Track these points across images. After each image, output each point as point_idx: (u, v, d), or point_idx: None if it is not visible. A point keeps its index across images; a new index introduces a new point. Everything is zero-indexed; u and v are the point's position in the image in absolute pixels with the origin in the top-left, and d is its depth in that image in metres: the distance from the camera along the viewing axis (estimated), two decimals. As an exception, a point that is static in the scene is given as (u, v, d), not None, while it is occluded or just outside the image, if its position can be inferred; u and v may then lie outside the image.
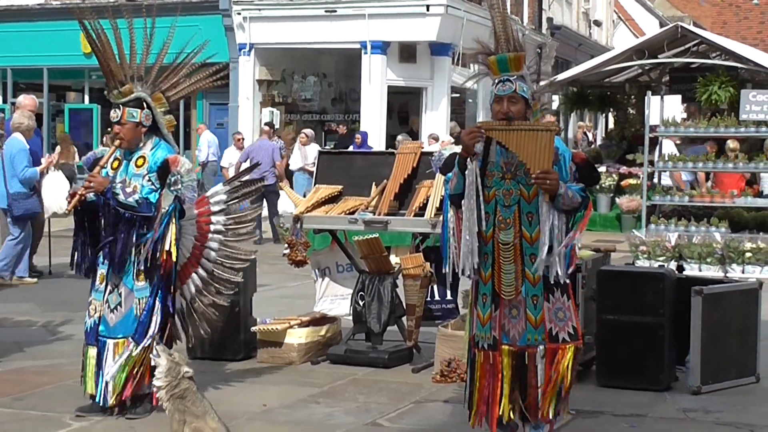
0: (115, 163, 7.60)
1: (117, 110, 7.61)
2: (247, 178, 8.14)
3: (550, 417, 6.37)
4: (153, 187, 7.50)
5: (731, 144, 19.17)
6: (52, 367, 8.97)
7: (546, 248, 6.14)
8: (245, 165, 20.63)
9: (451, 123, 26.35)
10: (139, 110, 7.60)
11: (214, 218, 7.83)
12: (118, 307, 7.45)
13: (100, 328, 7.47)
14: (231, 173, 21.53)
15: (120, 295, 7.45)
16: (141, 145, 7.63)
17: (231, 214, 7.88)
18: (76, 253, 7.72)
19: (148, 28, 7.88)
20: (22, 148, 13.65)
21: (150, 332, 7.40)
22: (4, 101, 30.28)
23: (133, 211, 7.39)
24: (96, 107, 28.98)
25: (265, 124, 25.33)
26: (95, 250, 7.58)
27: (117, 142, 7.62)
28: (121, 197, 7.43)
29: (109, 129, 7.62)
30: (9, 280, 13.85)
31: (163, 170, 7.52)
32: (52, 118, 30.20)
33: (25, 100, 14.76)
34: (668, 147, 20.17)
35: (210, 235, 7.80)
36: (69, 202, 7.52)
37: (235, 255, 7.87)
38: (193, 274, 7.74)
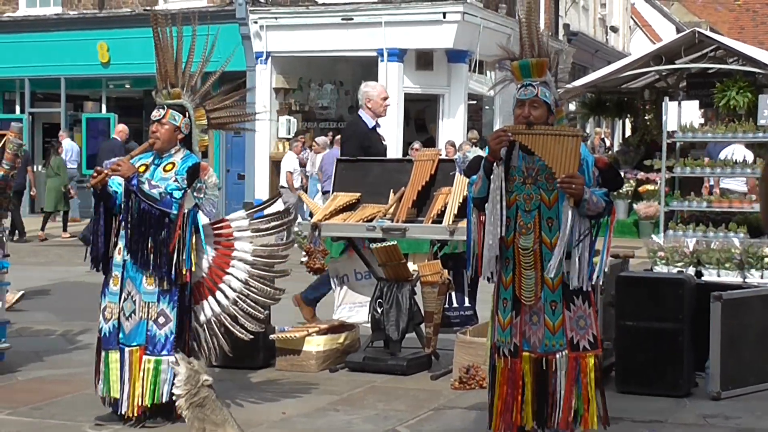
0: (142, 168, 7.60)
1: (161, 110, 7.64)
2: (274, 210, 8.13)
3: (583, 424, 6.36)
4: (178, 185, 7.48)
5: None
6: (71, 376, 8.98)
7: (563, 252, 6.13)
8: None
9: (471, 132, 26.30)
10: (181, 116, 7.64)
11: (237, 244, 7.82)
12: (133, 314, 7.47)
13: (120, 334, 7.49)
14: (295, 179, 21.59)
15: (134, 302, 7.47)
16: (172, 152, 7.65)
17: (258, 244, 7.86)
18: (92, 247, 7.71)
19: (211, 37, 7.92)
20: None
21: (170, 344, 7.43)
22: (22, 111, 30.38)
23: (153, 204, 7.37)
24: (114, 116, 29.03)
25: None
26: (110, 246, 7.58)
27: (151, 140, 7.63)
28: (146, 187, 7.40)
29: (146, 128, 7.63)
30: None
31: (194, 172, 7.55)
32: (70, 128, 30.28)
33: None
34: (739, 151, 19.76)
35: (232, 262, 7.78)
36: (94, 177, 7.51)
37: (265, 293, 7.84)
38: (210, 298, 7.72)
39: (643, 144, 24.89)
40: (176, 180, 7.51)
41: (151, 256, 7.39)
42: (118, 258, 7.56)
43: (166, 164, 7.59)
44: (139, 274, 7.46)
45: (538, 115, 6.23)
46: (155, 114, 7.65)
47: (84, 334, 10.77)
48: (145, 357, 7.40)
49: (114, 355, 7.49)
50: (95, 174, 7.52)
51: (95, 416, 7.58)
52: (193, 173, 7.52)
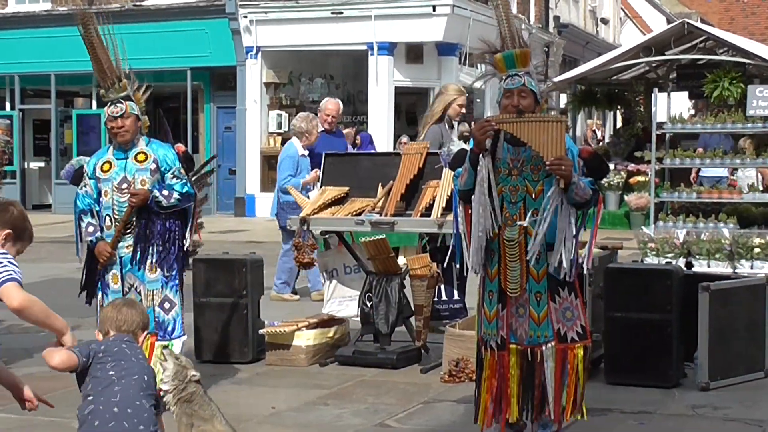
0: (106, 166, 7.72)
1: (119, 104, 7.76)
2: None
3: (564, 415, 6.39)
4: (183, 180, 7.73)
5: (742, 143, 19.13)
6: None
7: (559, 241, 6.14)
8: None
9: (462, 125, 26.29)
10: (135, 105, 7.73)
11: None
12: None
13: None
14: None
15: (139, 293, 7.63)
16: (135, 141, 7.80)
17: None
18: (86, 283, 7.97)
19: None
20: (290, 154, 12.84)
21: (181, 328, 7.78)
22: (12, 108, 30.34)
23: (176, 209, 7.70)
24: (104, 112, 28.96)
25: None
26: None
27: (119, 138, 7.75)
28: (164, 203, 7.62)
29: (107, 126, 7.77)
30: (290, 296, 13.13)
31: (183, 160, 7.83)
32: (60, 124, 30.25)
33: (327, 104, 13.56)
34: None
35: None
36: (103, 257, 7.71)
37: None
38: None
39: (634, 135, 24.90)
40: (175, 176, 7.71)
41: (172, 255, 7.62)
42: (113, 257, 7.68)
43: (137, 154, 7.73)
44: (137, 264, 7.59)
45: (527, 104, 6.26)
46: (115, 110, 7.77)
47: (74, 331, 10.64)
48: (157, 342, 7.48)
49: None
50: (104, 256, 7.68)
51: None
52: (185, 161, 7.74)
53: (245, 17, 27.10)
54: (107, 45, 7.91)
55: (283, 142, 26.93)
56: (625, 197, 22.05)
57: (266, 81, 27.54)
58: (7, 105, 30.65)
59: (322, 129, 12.90)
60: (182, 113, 28.77)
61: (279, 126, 27.17)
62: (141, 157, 7.70)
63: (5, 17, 30.06)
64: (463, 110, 11.07)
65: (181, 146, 8.07)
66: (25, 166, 30.13)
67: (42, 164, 30.87)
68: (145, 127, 7.96)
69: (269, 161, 27.53)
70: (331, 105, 13.31)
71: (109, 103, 7.80)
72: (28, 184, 30.28)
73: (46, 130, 30.51)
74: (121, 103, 7.74)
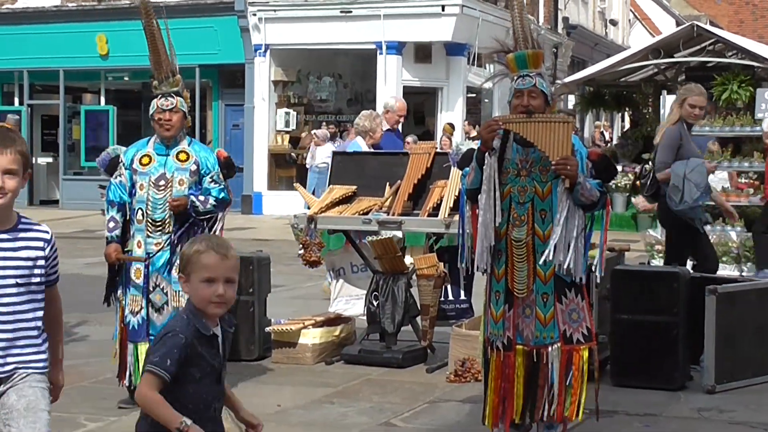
0: (145, 160, 7.68)
1: (170, 98, 7.75)
2: None
3: (569, 416, 6.38)
4: (220, 185, 7.77)
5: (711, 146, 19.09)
6: (68, 369, 8.85)
7: (558, 242, 6.13)
8: None
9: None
10: (184, 102, 7.74)
11: None
12: (165, 306, 7.59)
13: (149, 327, 7.60)
14: None
15: (165, 294, 7.60)
16: (178, 138, 7.80)
17: None
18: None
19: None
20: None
21: None
22: (21, 103, 30.37)
23: (210, 215, 7.75)
24: (112, 109, 29.02)
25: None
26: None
27: (164, 132, 7.73)
28: (201, 208, 7.66)
29: (154, 118, 7.71)
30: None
31: (224, 166, 7.87)
32: (69, 120, 30.28)
33: (397, 103, 13.71)
34: None
35: None
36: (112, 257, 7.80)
37: None
38: None
39: (642, 137, 24.86)
40: (214, 181, 7.75)
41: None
42: (138, 251, 7.66)
43: (178, 153, 7.70)
44: (165, 266, 7.57)
45: (537, 104, 6.25)
46: (165, 103, 7.73)
47: (81, 327, 10.76)
48: None
49: (144, 347, 7.53)
50: (111, 259, 7.80)
51: (118, 400, 7.78)
52: (225, 167, 7.79)
53: (254, 15, 27.09)
54: (162, 38, 7.95)
55: (291, 141, 27.28)
56: (633, 199, 22.01)
57: (274, 79, 27.53)
58: (16, 100, 30.68)
59: (388, 128, 12.86)
60: (190, 110, 28.76)
61: (287, 124, 27.18)
62: (183, 156, 7.70)
63: (14, 12, 30.08)
64: (697, 111, 9.81)
65: (222, 152, 8.10)
66: (33, 162, 30.15)
67: (50, 160, 30.90)
68: (187, 126, 7.97)
69: (277, 159, 27.56)
70: (401, 104, 13.33)
71: (159, 96, 7.78)
72: (36, 180, 30.28)
73: (54, 126, 30.53)
74: (173, 97, 7.75)
